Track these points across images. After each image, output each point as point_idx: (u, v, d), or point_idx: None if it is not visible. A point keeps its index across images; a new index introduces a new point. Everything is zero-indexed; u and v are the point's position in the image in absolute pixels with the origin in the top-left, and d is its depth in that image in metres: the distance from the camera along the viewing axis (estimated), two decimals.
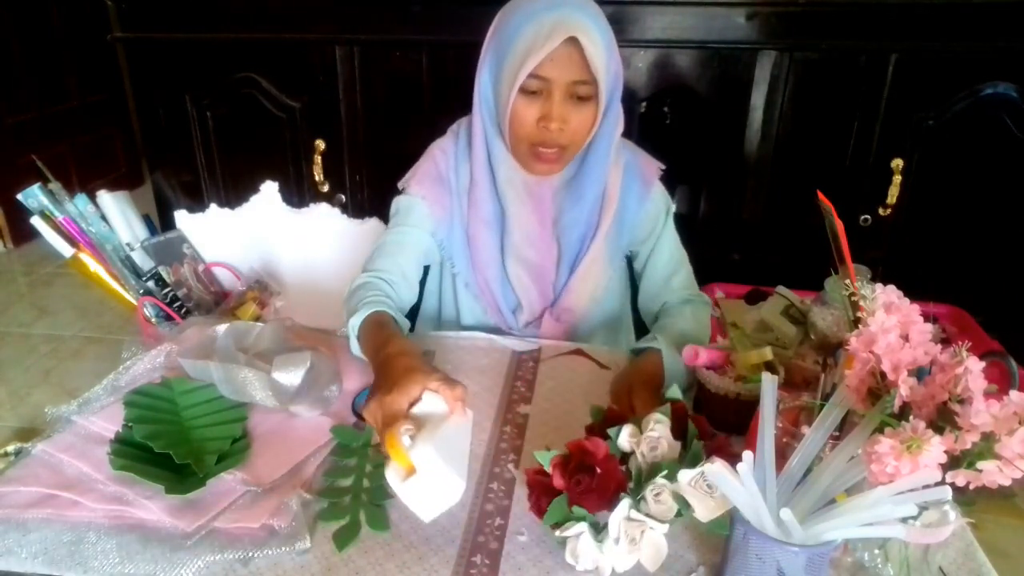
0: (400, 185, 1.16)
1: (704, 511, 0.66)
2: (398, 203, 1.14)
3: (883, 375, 0.59)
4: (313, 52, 1.86)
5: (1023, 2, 1.57)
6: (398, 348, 0.82)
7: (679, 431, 0.74)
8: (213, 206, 1.49)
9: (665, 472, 0.68)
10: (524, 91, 0.98)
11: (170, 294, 1.33)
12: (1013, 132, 1.68)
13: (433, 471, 0.67)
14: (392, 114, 1.89)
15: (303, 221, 1.55)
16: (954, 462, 0.56)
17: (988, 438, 0.54)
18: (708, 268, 1.59)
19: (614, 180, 1.10)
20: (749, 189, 1.84)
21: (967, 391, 0.55)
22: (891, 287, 0.64)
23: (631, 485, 0.71)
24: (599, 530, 0.69)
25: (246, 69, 1.91)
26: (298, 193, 2.00)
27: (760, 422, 0.65)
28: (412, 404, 0.73)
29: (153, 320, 1.30)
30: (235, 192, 2.00)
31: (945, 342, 0.63)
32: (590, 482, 0.70)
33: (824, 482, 0.62)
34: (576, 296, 1.15)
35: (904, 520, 0.58)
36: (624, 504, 0.68)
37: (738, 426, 0.87)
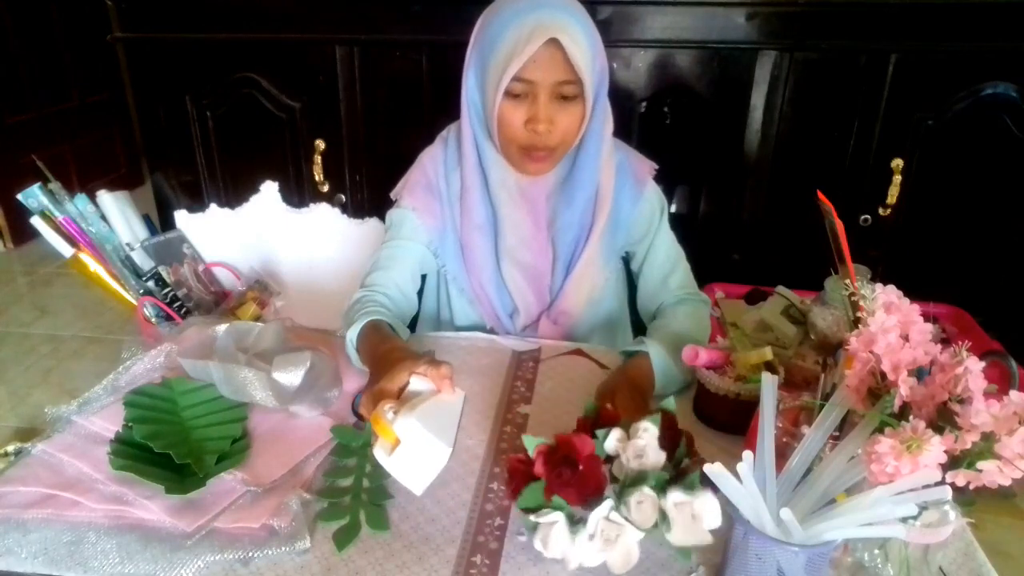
0: (392, 195, 1.17)
1: (680, 535, 0.66)
2: (391, 217, 1.16)
3: (883, 375, 0.59)
4: (313, 52, 1.86)
5: (1023, 2, 1.57)
6: (391, 346, 0.85)
7: (669, 442, 0.74)
8: (213, 206, 1.49)
9: (653, 483, 0.68)
10: (509, 94, 0.98)
11: (170, 294, 1.33)
12: (1013, 132, 1.68)
13: (415, 439, 0.70)
14: (392, 114, 1.89)
15: (303, 221, 1.55)
16: (954, 462, 0.56)
17: (988, 438, 0.54)
18: (708, 268, 1.60)
19: (607, 180, 1.10)
20: (749, 189, 1.84)
21: (967, 391, 0.55)
22: (891, 287, 0.64)
23: (614, 487, 0.72)
24: (573, 522, 0.69)
25: (246, 69, 1.91)
26: (298, 193, 2.00)
27: (760, 422, 0.65)
28: (402, 390, 0.77)
29: (153, 320, 1.30)
30: (235, 192, 2.00)
31: (945, 342, 0.63)
32: (571, 476, 0.70)
33: (824, 482, 0.62)
34: (572, 298, 1.14)
35: (904, 520, 0.58)
36: (607, 504, 0.68)
37: (738, 426, 0.87)
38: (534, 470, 0.73)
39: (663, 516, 0.67)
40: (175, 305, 1.32)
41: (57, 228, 1.26)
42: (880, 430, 0.58)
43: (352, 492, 0.79)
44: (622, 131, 1.11)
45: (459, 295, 1.17)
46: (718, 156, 1.82)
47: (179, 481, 0.78)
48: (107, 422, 0.88)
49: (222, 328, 1.02)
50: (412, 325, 1.25)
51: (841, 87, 1.71)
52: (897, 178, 1.74)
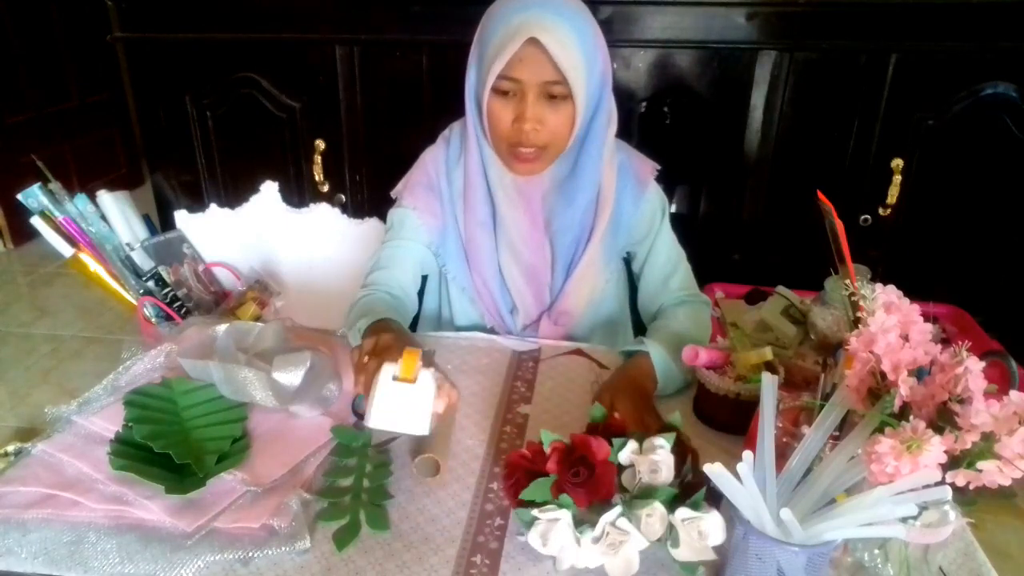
0: (393, 194, 1.17)
1: (686, 552, 0.67)
2: (391, 216, 1.16)
3: (883, 375, 0.59)
4: (313, 52, 1.86)
5: (1023, 2, 1.57)
6: (392, 337, 0.86)
7: (677, 458, 0.74)
8: (213, 206, 1.49)
9: (663, 498, 0.69)
10: (498, 92, 0.98)
11: (170, 294, 1.33)
12: (1013, 132, 1.68)
13: (427, 392, 0.76)
14: (392, 114, 1.89)
15: (303, 221, 1.55)
16: (954, 462, 0.56)
17: (988, 438, 0.54)
18: (708, 268, 1.60)
19: (608, 181, 1.10)
20: (749, 189, 1.84)
21: (967, 391, 0.55)
22: (891, 287, 0.64)
23: (622, 497, 0.72)
24: (576, 524, 0.70)
25: (246, 69, 1.91)
26: (298, 193, 2.00)
27: (760, 422, 0.65)
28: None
29: (153, 320, 1.30)
30: (235, 192, 1.99)
31: (945, 342, 0.63)
32: (586, 477, 0.71)
33: (824, 482, 0.62)
34: (573, 299, 1.14)
35: (904, 520, 0.59)
36: (617, 510, 0.69)
37: (738, 426, 0.87)
38: (544, 467, 0.73)
39: (670, 530, 0.68)
40: (175, 305, 1.32)
41: (57, 228, 1.26)
42: (880, 430, 0.58)
43: (352, 492, 0.79)
44: (622, 131, 1.10)
45: (459, 295, 1.17)
46: (718, 156, 1.82)
47: (179, 481, 0.78)
48: (107, 422, 0.88)
49: (222, 328, 1.02)
50: (413, 325, 1.25)
51: (841, 87, 1.71)
52: (897, 178, 1.74)
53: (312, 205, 1.56)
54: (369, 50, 1.83)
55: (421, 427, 0.76)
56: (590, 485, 0.71)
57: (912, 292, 0.63)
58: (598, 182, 1.09)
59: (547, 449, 0.74)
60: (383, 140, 1.92)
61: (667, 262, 1.16)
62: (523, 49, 0.93)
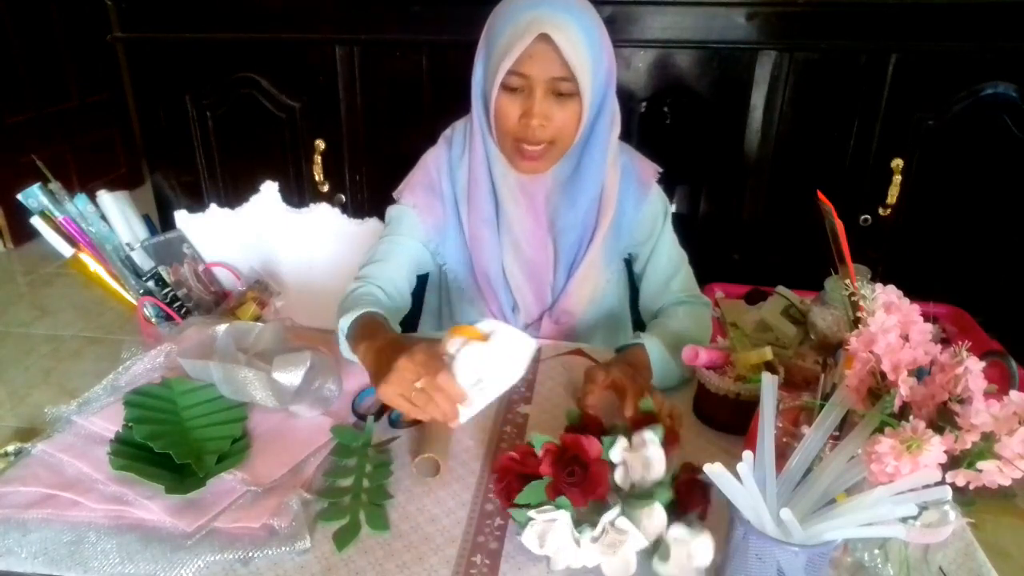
0: (394, 195, 1.17)
1: (674, 570, 0.67)
2: (390, 213, 1.16)
3: (883, 375, 0.59)
4: (313, 52, 1.86)
5: (1023, 2, 1.57)
6: (392, 339, 0.85)
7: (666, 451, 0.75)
8: (213, 206, 1.49)
9: (663, 500, 0.70)
10: (507, 88, 0.99)
11: (170, 294, 1.33)
12: (1013, 132, 1.68)
13: (504, 332, 0.77)
14: (392, 114, 1.89)
15: (303, 221, 1.55)
16: (954, 462, 0.56)
17: (988, 438, 0.54)
18: (708, 268, 1.59)
19: (612, 182, 1.10)
20: (749, 189, 1.84)
21: (967, 391, 0.55)
22: (891, 287, 0.64)
23: (619, 495, 0.72)
24: (575, 524, 0.70)
25: (246, 69, 1.90)
26: (298, 193, 2.00)
27: (760, 422, 0.65)
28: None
29: (153, 320, 1.29)
30: (235, 192, 1.99)
31: (945, 342, 0.63)
32: (581, 476, 0.71)
33: (824, 482, 0.62)
34: (575, 299, 1.15)
35: (904, 520, 0.59)
36: (616, 509, 0.69)
37: (738, 426, 0.87)
38: (535, 469, 0.73)
39: (659, 545, 0.68)
40: (175, 305, 1.32)
41: (57, 228, 1.26)
42: (880, 430, 0.58)
43: (352, 492, 0.79)
44: (622, 131, 1.11)
45: (460, 295, 1.17)
46: (718, 156, 1.82)
47: (179, 481, 0.78)
48: (107, 422, 0.88)
49: (222, 328, 1.02)
50: (413, 325, 1.25)
51: (841, 87, 1.71)
52: (897, 178, 1.74)
53: (312, 205, 1.56)
54: (369, 50, 1.83)
55: (519, 369, 0.78)
56: (585, 484, 0.71)
57: (912, 292, 0.63)
58: (601, 182, 1.09)
59: (539, 452, 0.74)
60: (383, 140, 1.92)
61: (669, 264, 1.16)
62: (533, 45, 0.94)
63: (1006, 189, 1.74)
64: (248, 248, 1.51)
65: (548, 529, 0.69)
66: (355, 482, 0.81)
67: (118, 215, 1.34)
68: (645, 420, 0.79)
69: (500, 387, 0.78)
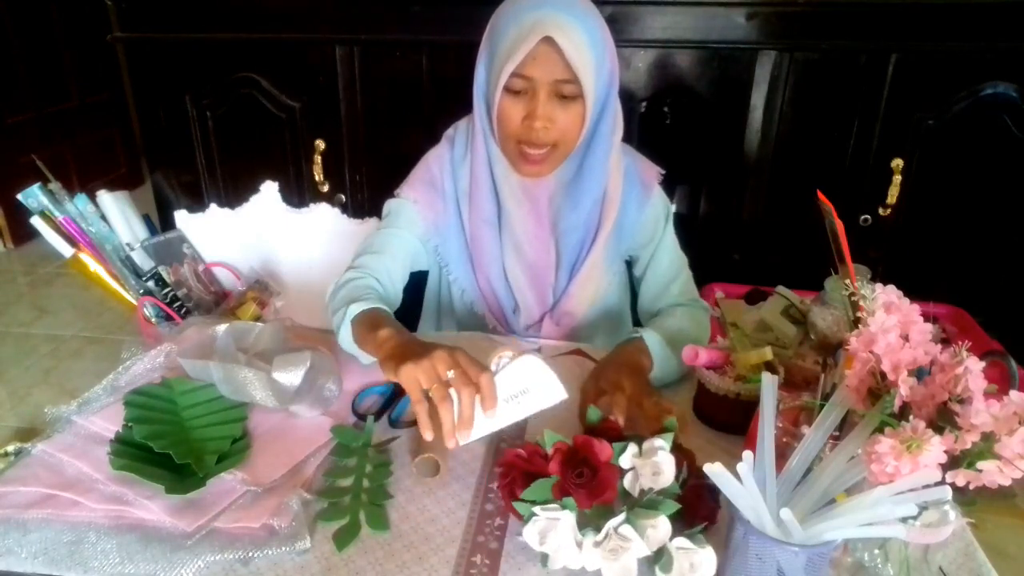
0: (395, 193, 1.16)
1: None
2: (389, 205, 1.15)
3: (883, 375, 0.59)
4: (313, 52, 1.86)
5: (1023, 2, 1.57)
6: (420, 337, 0.85)
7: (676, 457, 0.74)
8: (213, 206, 1.49)
9: (669, 512, 0.69)
10: (510, 90, 0.98)
11: (170, 294, 1.33)
12: (1013, 132, 1.68)
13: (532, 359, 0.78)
14: (392, 114, 1.89)
15: (303, 221, 1.54)
16: (954, 462, 0.56)
17: (988, 438, 0.54)
18: (708, 268, 1.59)
19: (615, 184, 1.10)
20: (749, 189, 1.84)
21: (967, 391, 0.55)
22: (891, 287, 0.64)
23: (626, 502, 0.72)
24: (579, 527, 0.70)
25: (246, 69, 1.90)
26: (298, 193, 2.00)
27: (760, 422, 0.65)
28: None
29: (153, 320, 1.29)
30: (235, 192, 1.99)
31: (945, 342, 0.63)
32: (589, 478, 0.70)
33: (824, 482, 0.62)
34: (576, 300, 1.15)
35: (904, 520, 0.59)
36: (622, 516, 0.69)
37: (738, 426, 0.87)
38: (541, 467, 0.73)
39: (662, 555, 0.67)
40: (175, 305, 1.32)
41: (57, 228, 1.26)
42: (880, 430, 0.58)
43: (352, 492, 0.79)
44: (623, 132, 1.10)
45: (460, 296, 1.17)
46: (718, 156, 1.82)
47: (179, 481, 0.78)
48: (107, 422, 0.88)
49: (222, 328, 1.02)
50: (413, 325, 1.25)
51: (841, 87, 1.71)
52: (897, 178, 1.74)
53: (312, 205, 1.56)
54: (369, 50, 1.83)
55: (559, 388, 0.78)
56: (593, 486, 0.71)
57: (912, 292, 0.63)
58: (604, 184, 1.09)
59: (549, 450, 0.74)
60: (383, 140, 1.92)
61: (669, 267, 1.16)
62: (536, 47, 0.94)
63: (1006, 189, 1.74)
64: (248, 248, 1.51)
65: (550, 527, 0.69)
66: (355, 482, 0.81)
67: (118, 215, 1.34)
68: (660, 427, 0.79)
69: (517, 415, 0.78)
